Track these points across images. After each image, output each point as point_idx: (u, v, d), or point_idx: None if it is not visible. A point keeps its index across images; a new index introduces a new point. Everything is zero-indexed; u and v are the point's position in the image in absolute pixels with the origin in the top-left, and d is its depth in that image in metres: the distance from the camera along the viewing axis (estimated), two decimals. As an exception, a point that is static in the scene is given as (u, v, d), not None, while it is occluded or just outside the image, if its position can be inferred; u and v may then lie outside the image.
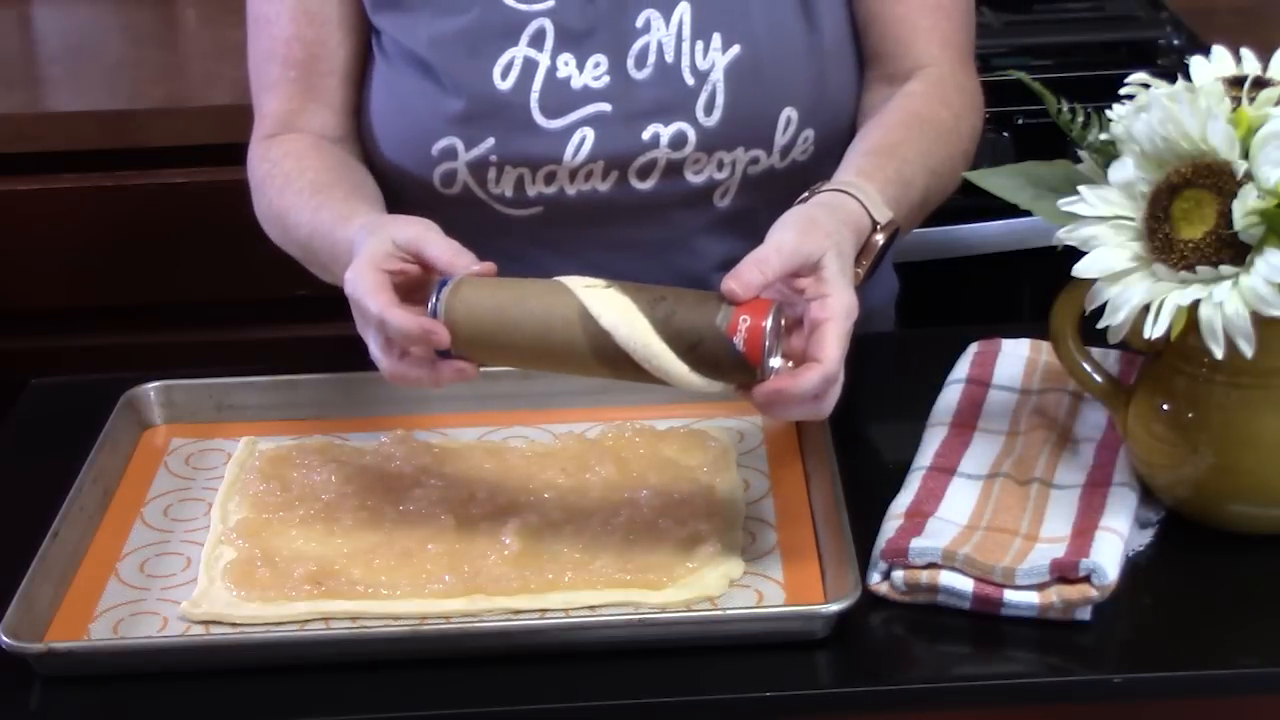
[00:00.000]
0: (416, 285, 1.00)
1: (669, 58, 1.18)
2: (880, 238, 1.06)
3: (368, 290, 0.97)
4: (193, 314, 1.79)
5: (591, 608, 0.95)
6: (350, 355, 1.29)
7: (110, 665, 0.92)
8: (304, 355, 1.53)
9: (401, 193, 1.25)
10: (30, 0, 2.01)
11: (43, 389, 1.22)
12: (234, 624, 0.95)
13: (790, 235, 0.97)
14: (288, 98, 1.23)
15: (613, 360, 0.94)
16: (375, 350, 0.99)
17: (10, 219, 1.73)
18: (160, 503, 1.07)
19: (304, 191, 1.15)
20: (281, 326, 1.76)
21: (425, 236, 0.99)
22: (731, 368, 0.93)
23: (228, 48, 1.86)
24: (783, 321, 0.96)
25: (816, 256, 0.97)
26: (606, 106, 1.17)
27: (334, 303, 1.76)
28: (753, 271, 0.95)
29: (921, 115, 1.17)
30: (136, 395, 1.14)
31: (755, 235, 0.99)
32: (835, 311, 0.95)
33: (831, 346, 0.94)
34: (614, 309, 0.94)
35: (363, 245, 1.01)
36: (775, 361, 0.94)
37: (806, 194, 1.07)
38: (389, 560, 0.99)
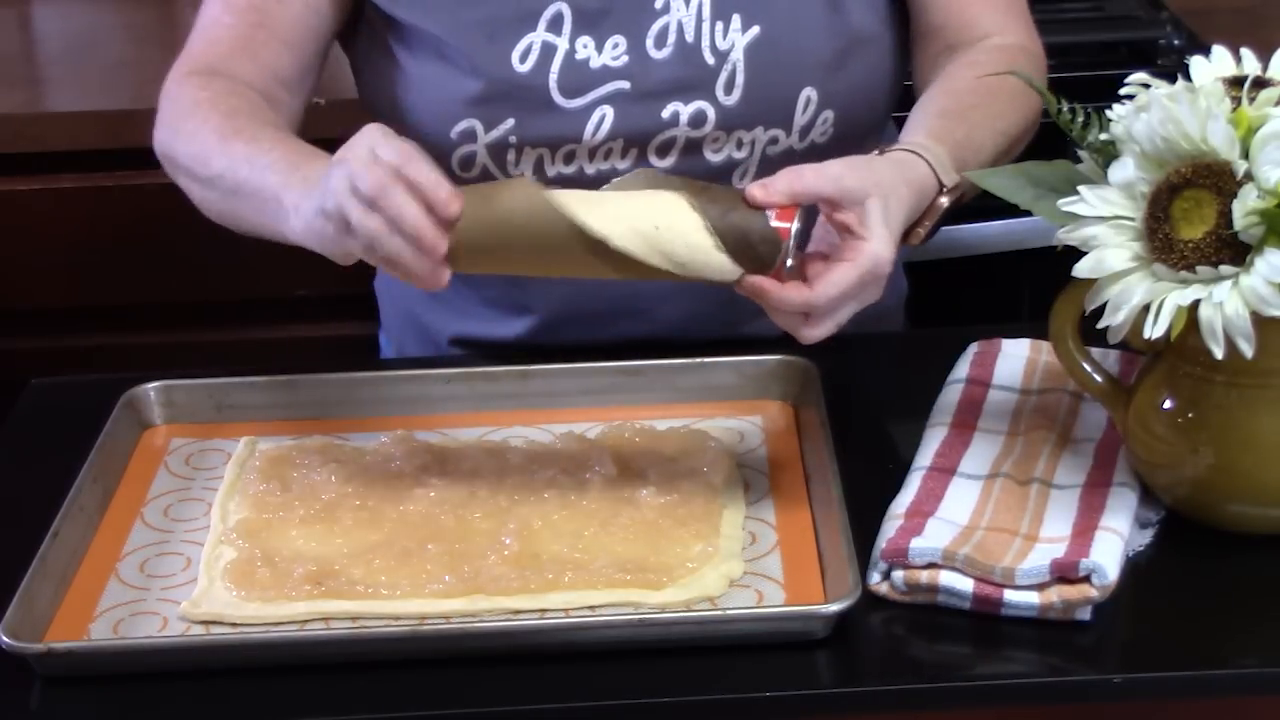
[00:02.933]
0: None
1: (689, 38, 1.18)
2: (945, 200, 1.07)
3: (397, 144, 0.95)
4: (193, 314, 1.78)
5: (591, 608, 0.95)
6: (350, 355, 1.29)
7: (110, 665, 0.92)
8: (304, 355, 1.54)
9: None
10: (30, 0, 2.01)
11: (43, 389, 1.22)
12: (234, 624, 0.95)
13: (837, 166, 0.99)
14: (216, 40, 1.20)
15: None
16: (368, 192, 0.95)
17: (10, 219, 1.72)
18: (160, 503, 1.07)
19: (264, 129, 1.11)
20: (281, 326, 1.76)
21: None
22: (750, 261, 0.96)
23: (228, 48, 1.85)
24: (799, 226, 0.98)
25: (858, 195, 0.98)
26: (625, 84, 1.18)
27: (334, 303, 1.77)
28: (782, 179, 0.98)
29: (989, 80, 1.17)
30: (136, 395, 1.14)
31: None
32: (859, 254, 0.97)
33: (830, 284, 0.97)
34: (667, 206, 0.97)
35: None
36: (789, 263, 0.97)
37: (877, 151, 1.08)
38: (389, 560, 0.98)
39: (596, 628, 0.92)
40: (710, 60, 1.18)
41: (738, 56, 1.18)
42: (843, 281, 0.97)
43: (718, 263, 0.96)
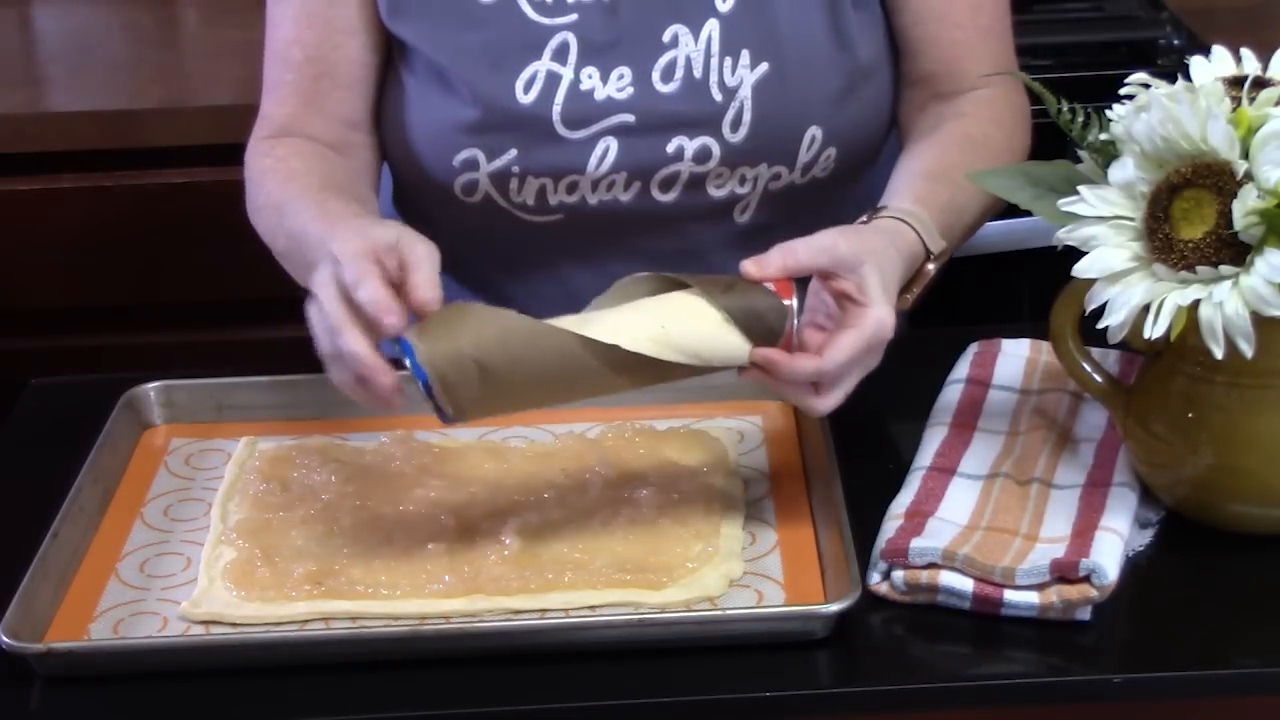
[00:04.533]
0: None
1: (697, 74, 1.17)
2: (933, 267, 1.07)
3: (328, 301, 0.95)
4: (193, 314, 1.78)
5: (591, 608, 0.95)
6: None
7: (110, 665, 0.92)
8: (304, 355, 1.53)
9: (422, 199, 1.25)
10: (30, 0, 2.01)
11: (43, 389, 1.21)
12: (234, 624, 0.95)
13: (829, 236, 0.99)
14: (282, 100, 1.22)
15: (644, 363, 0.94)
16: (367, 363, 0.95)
17: (10, 219, 1.72)
18: (160, 503, 1.07)
19: (312, 186, 1.14)
20: (282, 326, 1.72)
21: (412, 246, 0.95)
22: (760, 335, 0.96)
23: (228, 48, 1.85)
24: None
25: (852, 263, 0.97)
26: (630, 117, 1.17)
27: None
28: (775, 256, 0.97)
29: (975, 137, 1.17)
30: (136, 395, 1.14)
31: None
32: (864, 320, 0.96)
33: (838, 350, 0.96)
34: (682, 307, 0.96)
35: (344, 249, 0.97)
36: (794, 303, 0.97)
37: (865, 217, 1.07)
38: (389, 560, 0.98)
39: (596, 628, 0.92)
40: (718, 97, 1.17)
41: (746, 94, 1.17)
42: (850, 347, 0.96)
43: (731, 342, 0.95)
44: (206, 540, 1.02)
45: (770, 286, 0.96)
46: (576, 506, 1.03)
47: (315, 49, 1.21)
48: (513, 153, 1.17)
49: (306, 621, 0.95)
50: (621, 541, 1.00)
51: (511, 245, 1.23)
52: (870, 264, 0.98)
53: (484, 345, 0.92)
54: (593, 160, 1.17)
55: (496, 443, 1.11)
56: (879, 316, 0.96)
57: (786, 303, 0.96)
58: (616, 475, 1.05)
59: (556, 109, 1.16)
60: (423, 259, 0.95)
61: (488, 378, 0.92)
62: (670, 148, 1.17)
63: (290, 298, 1.74)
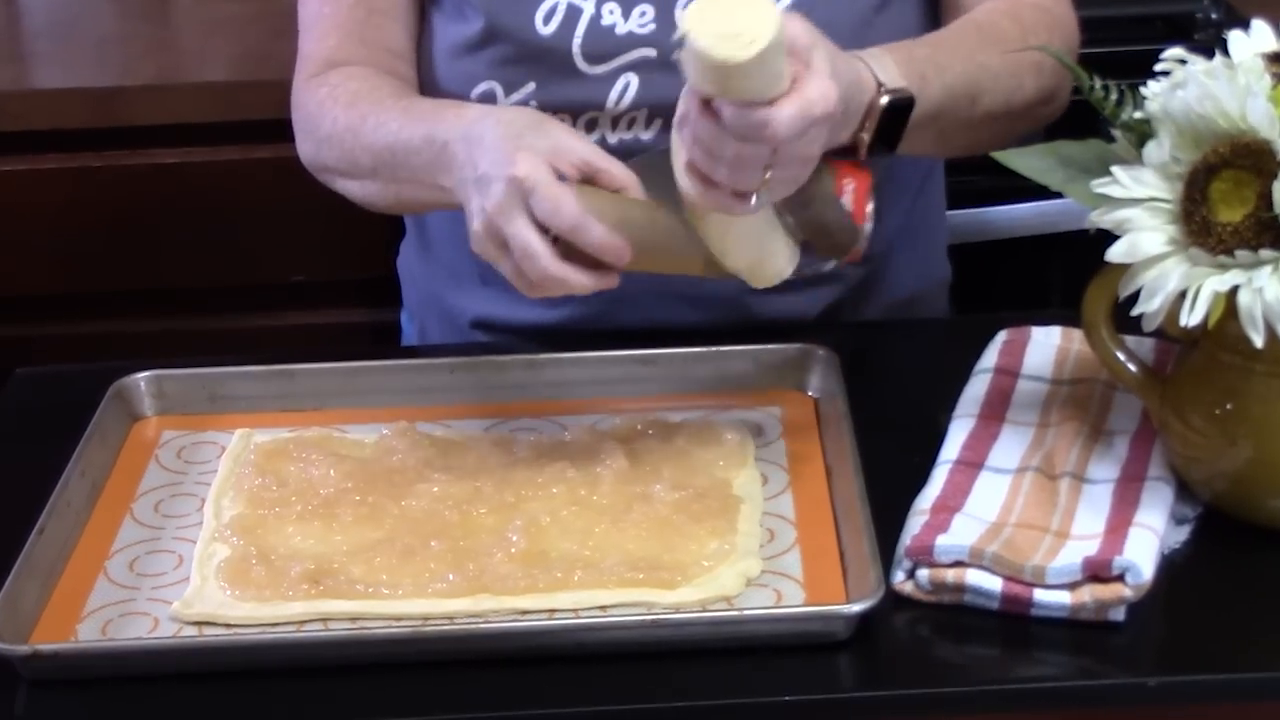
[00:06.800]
0: None
1: None
2: (884, 99, 1.04)
3: (559, 189, 0.97)
4: (184, 300, 1.78)
5: (602, 608, 0.94)
6: (350, 343, 1.26)
7: (99, 668, 0.91)
8: (301, 343, 1.51)
9: None
10: (16, -25, 1.99)
11: (28, 379, 1.21)
12: (228, 625, 0.94)
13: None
14: (323, 35, 1.23)
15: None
16: (532, 243, 0.98)
17: (-7, 200, 1.71)
18: (151, 498, 1.06)
19: (383, 98, 1.14)
20: (277, 313, 1.75)
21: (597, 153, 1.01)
22: (837, 230, 1.00)
23: (220, 22, 1.85)
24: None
25: (802, 46, 0.95)
26: (651, 52, 1.17)
27: (332, 288, 1.76)
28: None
29: (979, 22, 1.16)
30: (126, 386, 1.13)
31: None
32: (805, 87, 0.93)
33: (782, 110, 0.93)
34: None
35: (532, 134, 1.01)
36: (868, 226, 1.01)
37: None
38: (390, 558, 0.97)
39: (607, 629, 0.91)
40: None
41: None
42: (792, 107, 0.92)
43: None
44: (199, 537, 1.01)
45: (848, 190, 0.98)
46: (586, 502, 1.02)
47: None
48: (531, 86, 1.18)
49: (304, 622, 0.94)
50: (634, 539, 0.98)
51: None
52: (820, 49, 0.96)
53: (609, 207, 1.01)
54: (613, 95, 1.18)
55: (503, 435, 1.10)
56: (821, 85, 0.93)
57: (860, 225, 0.98)
58: (629, 469, 1.04)
59: (577, 42, 1.17)
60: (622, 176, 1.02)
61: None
62: None
63: (285, 283, 1.73)
